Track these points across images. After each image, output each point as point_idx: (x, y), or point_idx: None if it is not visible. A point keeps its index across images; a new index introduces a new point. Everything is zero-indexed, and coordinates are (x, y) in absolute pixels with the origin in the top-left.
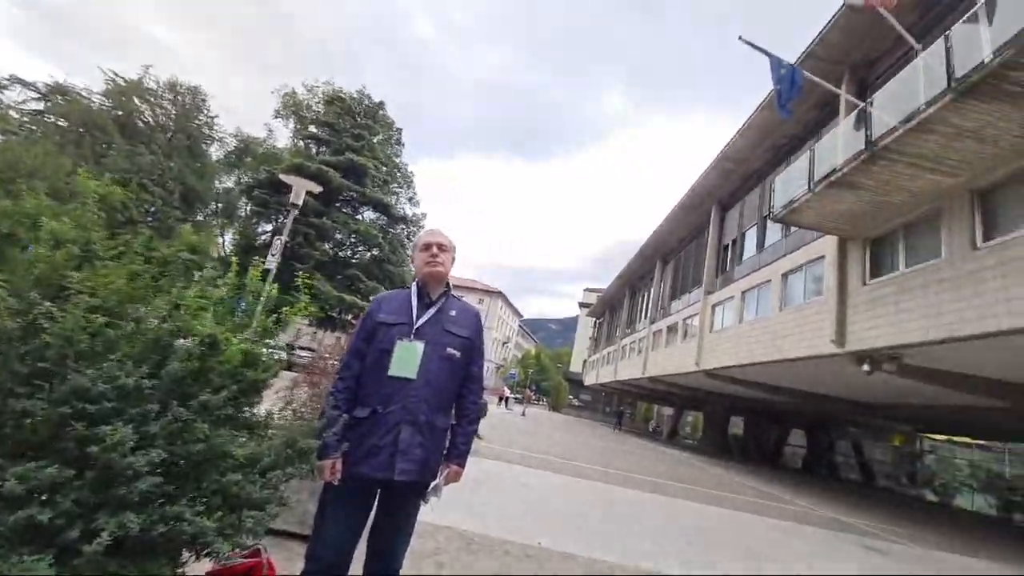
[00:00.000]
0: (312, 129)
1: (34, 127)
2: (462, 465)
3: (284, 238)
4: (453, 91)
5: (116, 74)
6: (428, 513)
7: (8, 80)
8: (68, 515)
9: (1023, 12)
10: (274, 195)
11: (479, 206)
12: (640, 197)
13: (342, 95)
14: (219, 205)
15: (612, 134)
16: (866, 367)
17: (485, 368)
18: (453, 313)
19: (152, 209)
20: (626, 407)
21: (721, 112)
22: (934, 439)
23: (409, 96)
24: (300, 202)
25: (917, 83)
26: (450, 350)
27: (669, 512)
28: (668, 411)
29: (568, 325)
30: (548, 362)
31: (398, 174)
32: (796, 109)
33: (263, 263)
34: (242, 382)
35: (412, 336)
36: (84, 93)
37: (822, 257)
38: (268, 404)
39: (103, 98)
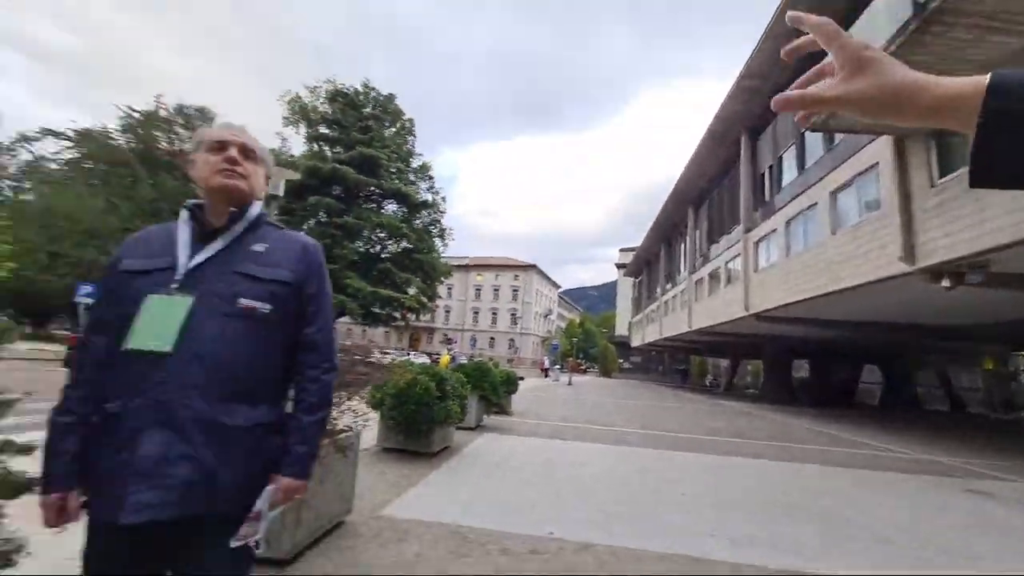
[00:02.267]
0: (321, 129)
1: (72, 174)
2: (300, 475)
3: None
4: (456, 71)
5: (131, 109)
6: (425, 507)
7: (39, 133)
8: None
9: None
10: (298, 201)
11: (502, 187)
12: (664, 142)
13: (344, 90)
14: None
15: (625, 82)
16: (945, 283)
17: (534, 341)
18: (260, 248)
19: None
20: (681, 364)
21: (735, 30)
22: None
23: (417, 86)
24: (280, 192)
25: None
26: (247, 302)
27: (720, 475)
28: (725, 363)
29: (609, 290)
30: (593, 329)
31: (413, 163)
32: None
33: None
34: None
35: (177, 285)
36: (108, 133)
37: (876, 164)
38: None
39: (125, 135)
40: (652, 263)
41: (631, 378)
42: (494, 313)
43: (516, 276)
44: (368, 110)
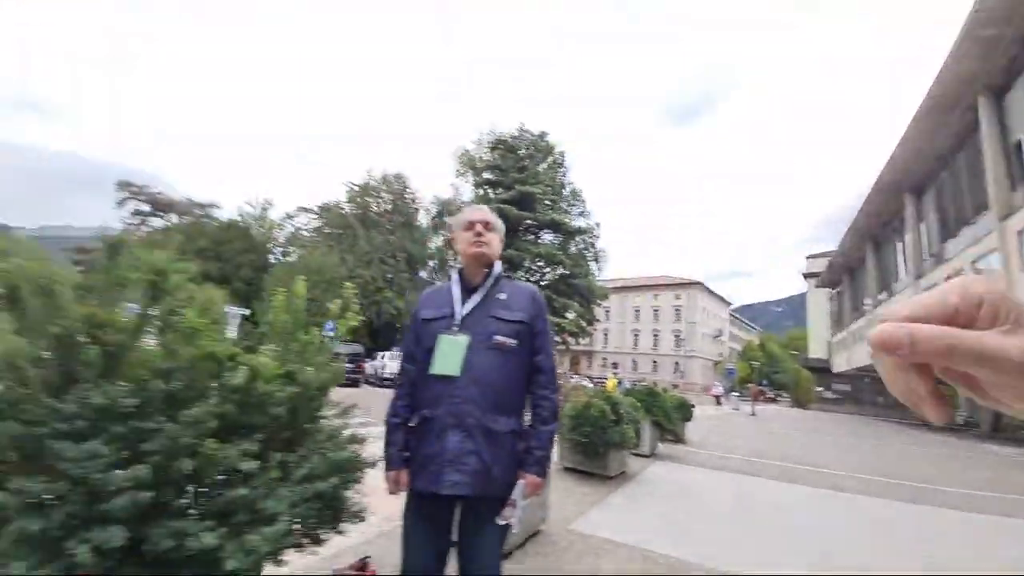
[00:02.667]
0: (485, 175)
1: (318, 238)
2: (540, 474)
3: None
4: (604, 86)
5: (352, 183)
6: (609, 527)
7: (296, 211)
8: (65, 527)
9: None
10: None
11: (651, 196)
12: (855, 126)
13: (503, 138)
14: (434, 262)
15: (795, 64)
16: None
17: (702, 364)
18: (503, 296)
19: (389, 276)
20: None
21: None
22: None
23: (566, 111)
24: None
25: None
26: (499, 338)
27: (997, 543)
28: None
29: (796, 304)
30: (779, 350)
31: (565, 192)
32: None
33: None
34: (236, 393)
35: (456, 328)
36: (339, 205)
37: None
38: None
39: (349, 204)
40: (855, 269)
41: (835, 410)
42: (655, 335)
43: (678, 295)
44: (523, 151)
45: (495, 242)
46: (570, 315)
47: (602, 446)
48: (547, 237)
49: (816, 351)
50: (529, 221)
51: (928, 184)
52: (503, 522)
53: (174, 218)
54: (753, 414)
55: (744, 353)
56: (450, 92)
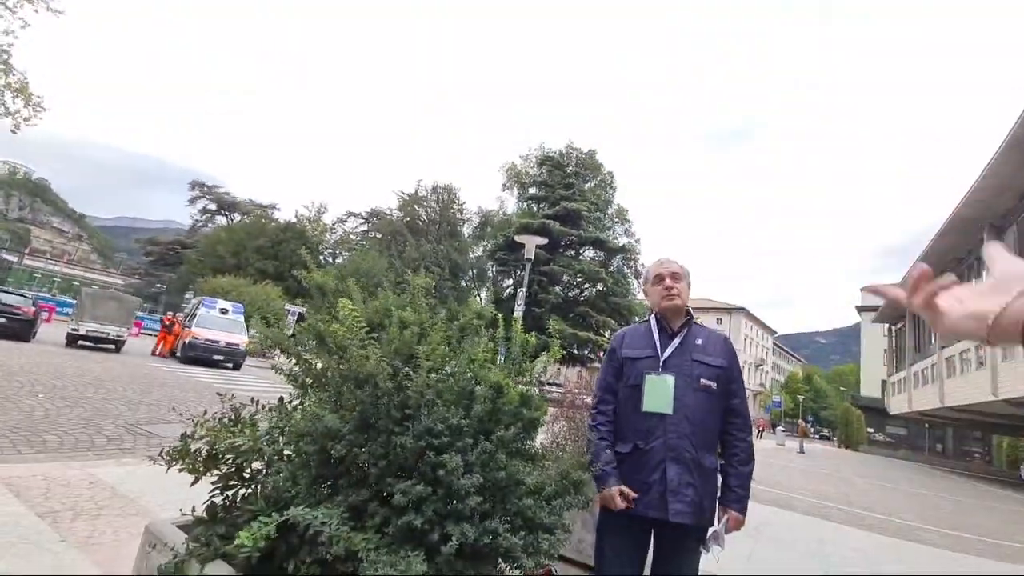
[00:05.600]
0: (531, 191)
1: (364, 242)
2: (743, 512)
3: (524, 290)
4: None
5: (403, 192)
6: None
7: (345, 215)
8: (430, 523)
9: None
10: (511, 254)
11: (698, 217)
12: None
13: (551, 155)
14: (474, 271)
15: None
16: None
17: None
18: (699, 342)
19: (434, 284)
20: (972, 443)
21: None
22: None
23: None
24: (532, 256)
25: None
26: (704, 381)
27: None
28: None
29: (845, 336)
30: (825, 385)
31: (610, 211)
32: None
33: (514, 315)
34: (522, 420)
35: (660, 369)
36: (388, 212)
37: None
38: (538, 438)
39: (399, 211)
40: None
41: (888, 455)
42: None
43: (720, 320)
44: (571, 168)
45: (685, 291)
46: (608, 332)
47: None
48: (589, 254)
49: (868, 389)
50: (572, 237)
51: (1008, 221)
52: (708, 552)
53: (237, 217)
54: (802, 452)
55: (787, 385)
56: (500, 103)
